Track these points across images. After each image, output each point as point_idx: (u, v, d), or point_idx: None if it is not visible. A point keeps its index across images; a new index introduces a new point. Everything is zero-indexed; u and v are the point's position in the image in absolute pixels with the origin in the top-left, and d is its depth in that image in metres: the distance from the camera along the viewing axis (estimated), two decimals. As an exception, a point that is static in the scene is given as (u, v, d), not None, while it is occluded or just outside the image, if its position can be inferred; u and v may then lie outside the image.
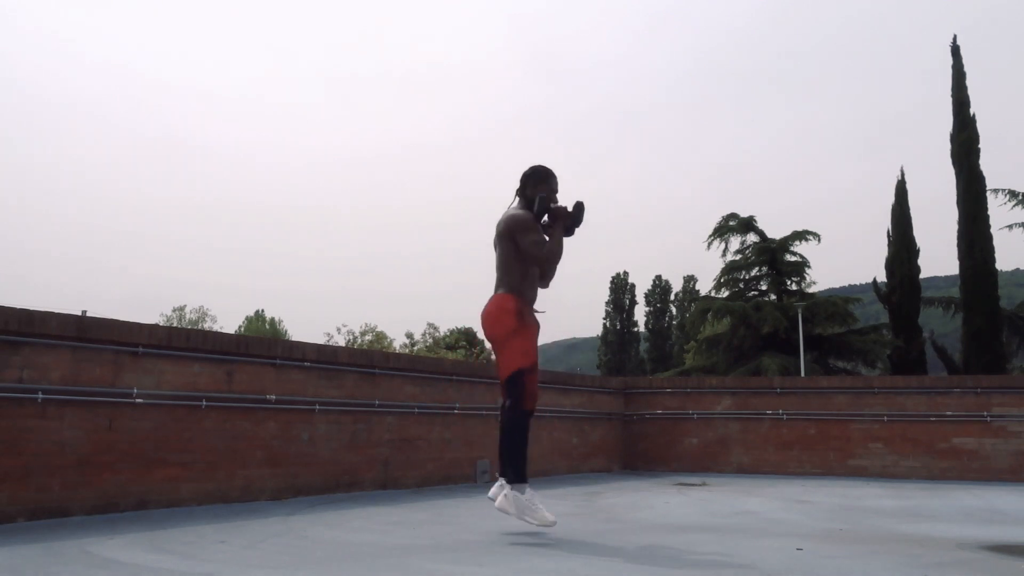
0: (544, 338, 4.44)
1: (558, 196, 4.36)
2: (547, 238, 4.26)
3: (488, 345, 4.47)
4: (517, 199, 4.33)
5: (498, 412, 7.67)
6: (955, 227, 21.45)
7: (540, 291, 4.41)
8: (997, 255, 20.82)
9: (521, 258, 4.21)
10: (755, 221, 25.23)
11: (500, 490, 4.15)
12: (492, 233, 4.35)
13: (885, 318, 23.81)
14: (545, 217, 4.34)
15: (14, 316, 4.42)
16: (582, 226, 4.33)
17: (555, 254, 4.22)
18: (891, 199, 23.74)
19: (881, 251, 24.22)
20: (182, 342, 5.28)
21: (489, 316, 4.21)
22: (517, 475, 4.06)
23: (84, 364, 4.73)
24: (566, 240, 4.31)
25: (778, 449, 9.38)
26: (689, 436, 9.76)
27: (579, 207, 4.27)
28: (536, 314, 4.35)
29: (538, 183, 4.30)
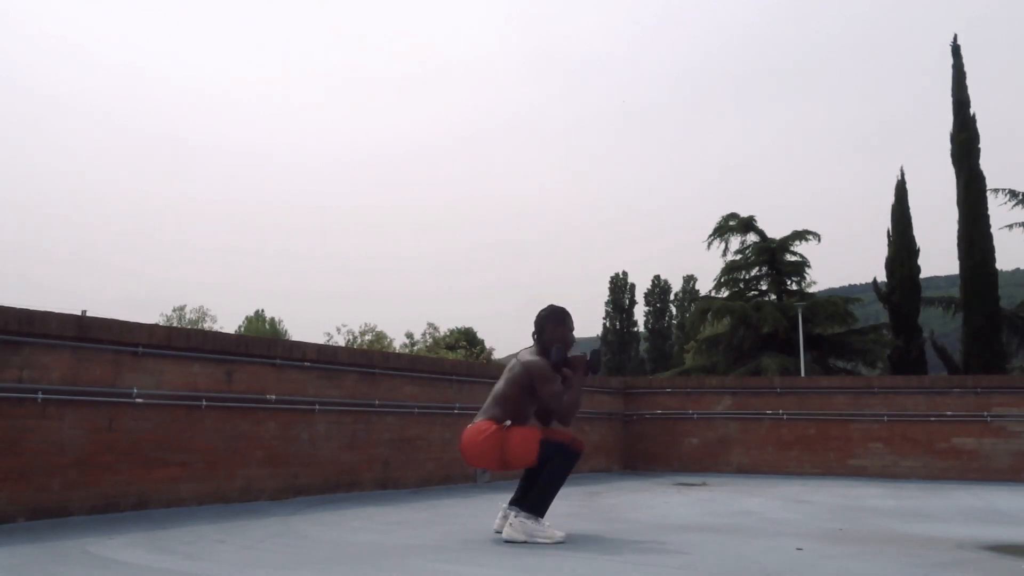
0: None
1: (573, 334, 4.33)
2: (562, 379, 4.23)
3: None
4: (534, 342, 4.31)
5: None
6: (955, 227, 21.45)
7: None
8: (997, 255, 20.81)
9: (523, 401, 4.20)
10: (755, 221, 25.21)
11: (505, 520, 4.10)
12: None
13: (885, 318, 23.80)
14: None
15: (14, 316, 4.42)
16: (598, 373, 4.36)
17: (575, 407, 4.22)
18: (891, 199, 23.76)
19: (881, 251, 24.23)
20: (182, 342, 5.28)
21: (470, 445, 4.15)
22: (542, 511, 4.01)
23: (84, 364, 4.73)
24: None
25: (778, 449, 9.38)
26: (689, 436, 9.76)
27: (596, 355, 4.31)
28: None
29: (556, 325, 4.28)
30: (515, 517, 3.98)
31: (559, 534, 3.95)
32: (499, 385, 4.29)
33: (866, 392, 9.22)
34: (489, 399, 4.28)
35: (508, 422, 4.17)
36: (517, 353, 4.33)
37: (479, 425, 4.17)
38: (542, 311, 4.33)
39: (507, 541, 3.93)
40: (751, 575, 3.19)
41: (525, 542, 3.88)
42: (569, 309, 4.34)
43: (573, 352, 4.29)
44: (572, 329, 4.32)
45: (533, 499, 4.02)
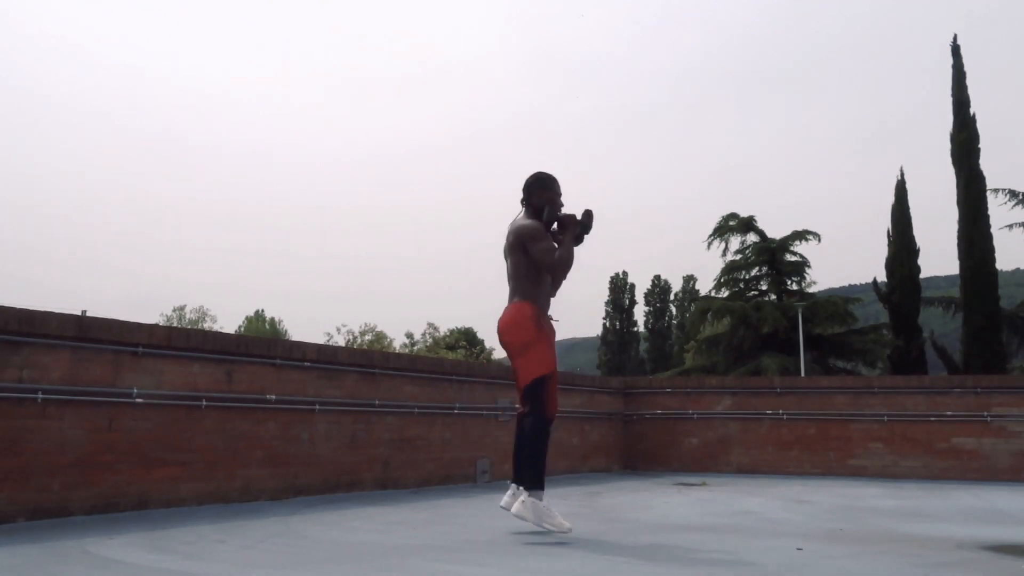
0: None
1: (562, 199, 4.37)
2: (556, 245, 4.26)
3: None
4: (523, 209, 4.33)
5: (497, 412, 7.71)
6: (955, 227, 21.46)
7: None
8: (997, 255, 20.82)
9: (534, 267, 4.21)
10: (755, 221, 25.22)
11: (514, 497, 4.13)
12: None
13: (885, 318, 23.82)
14: (555, 225, 4.35)
15: (14, 316, 4.42)
16: (590, 232, 4.36)
17: (567, 261, 4.23)
18: (891, 199, 23.79)
19: (881, 251, 24.26)
20: (182, 342, 5.28)
21: (508, 324, 4.21)
22: (536, 481, 4.05)
23: (84, 364, 4.73)
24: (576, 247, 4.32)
25: (778, 449, 9.38)
26: (689, 436, 9.76)
27: (588, 214, 4.31)
28: (551, 321, 4.36)
29: (542, 189, 4.31)
30: (527, 496, 4.04)
31: (567, 524, 3.99)
32: (507, 264, 4.31)
33: (866, 392, 9.22)
34: (509, 284, 4.30)
35: (556, 319, 4.27)
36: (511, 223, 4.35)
37: (518, 308, 4.20)
38: (528, 178, 4.38)
39: (516, 516, 4.00)
40: (751, 575, 3.19)
41: (535, 526, 3.94)
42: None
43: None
44: (560, 194, 4.37)
45: (527, 476, 4.10)
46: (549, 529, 3.91)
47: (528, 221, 4.23)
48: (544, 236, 4.20)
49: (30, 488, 4.40)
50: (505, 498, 4.26)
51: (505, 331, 4.21)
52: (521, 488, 4.11)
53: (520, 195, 4.40)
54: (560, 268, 4.23)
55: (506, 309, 4.26)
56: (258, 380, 5.69)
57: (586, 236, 4.35)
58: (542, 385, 4.12)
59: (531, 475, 4.07)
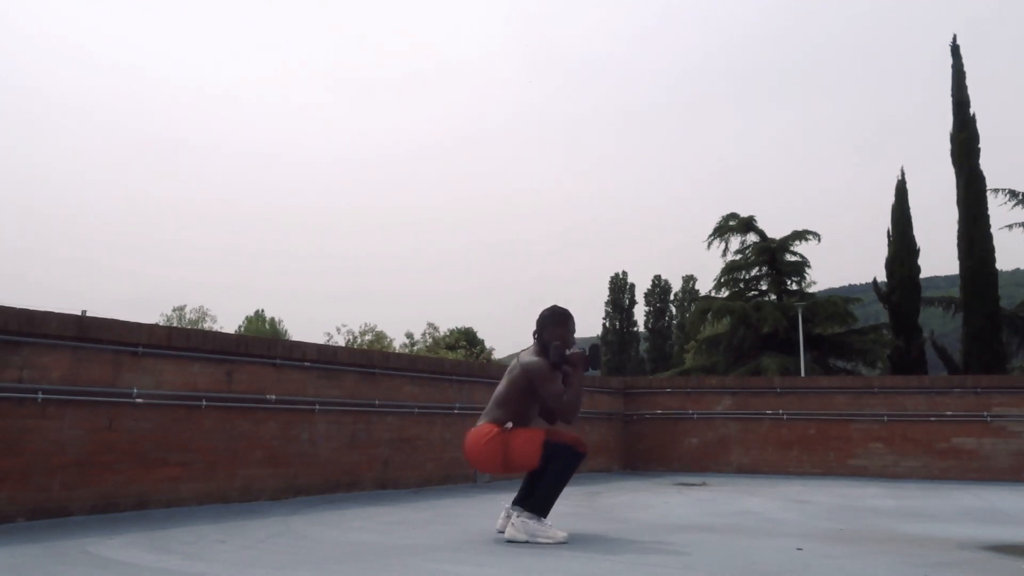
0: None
1: (574, 336, 4.34)
2: (563, 378, 4.23)
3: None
4: (534, 342, 4.30)
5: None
6: (955, 227, 21.46)
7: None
8: (997, 255, 20.80)
9: (523, 401, 4.19)
10: (755, 221, 25.19)
11: (507, 520, 4.11)
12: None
13: (885, 318, 23.80)
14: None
15: (14, 316, 4.42)
16: (599, 368, 4.36)
17: (575, 405, 4.21)
18: (891, 199, 23.77)
19: (881, 251, 24.26)
20: (182, 342, 5.28)
21: (473, 449, 4.15)
22: (544, 512, 4.02)
23: (84, 364, 4.73)
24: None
25: (778, 449, 9.38)
26: (689, 436, 9.76)
27: (595, 350, 4.29)
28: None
29: (555, 327, 4.28)
30: (517, 517, 3.98)
31: (561, 534, 3.95)
32: (500, 387, 4.28)
33: (866, 392, 9.22)
34: (491, 401, 4.27)
35: (510, 424, 4.17)
36: (519, 353, 4.33)
37: (481, 428, 4.16)
38: (544, 311, 4.32)
39: (509, 541, 3.93)
40: (751, 575, 3.19)
41: (527, 542, 3.88)
42: (570, 310, 4.34)
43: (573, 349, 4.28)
44: (573, 332, 4.31)
45: (536, 500, 4.03)
46: (544, 543, 3.88)
47: (536, 360, 4.18)
48: (553, 378, 4.17)
49: (30, 488, 4.40)
50: (500, 521, 4.22)
51: (475, 457, 4.17)
52: (515, 511, 4.05)
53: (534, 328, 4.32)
54: (570, 411, 4.20)
55: (470, 432, 4.23)
56: (258, 380, 5.69)
57: (594, 370, 4.36)
58: (555, 439, 4.08)
59: (545, 505, 4.02)
